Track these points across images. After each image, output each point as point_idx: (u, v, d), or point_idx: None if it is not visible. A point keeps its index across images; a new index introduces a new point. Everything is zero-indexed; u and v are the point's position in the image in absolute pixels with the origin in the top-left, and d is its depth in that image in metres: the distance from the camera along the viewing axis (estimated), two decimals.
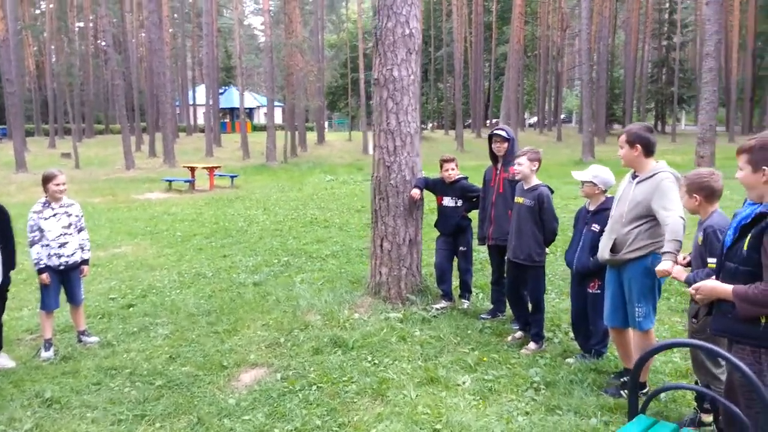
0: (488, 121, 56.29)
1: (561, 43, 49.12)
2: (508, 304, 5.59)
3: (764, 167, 2.56)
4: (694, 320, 3.43)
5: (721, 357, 2.53)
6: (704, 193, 3.39)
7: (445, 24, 50.83)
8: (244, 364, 4.78)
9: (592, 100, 27.88)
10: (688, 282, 3.14)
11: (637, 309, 3.85)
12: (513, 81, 36.09)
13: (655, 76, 51.66)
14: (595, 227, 4.43)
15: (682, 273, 3.29)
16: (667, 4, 50.92)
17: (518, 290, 5.07)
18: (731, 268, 2.67)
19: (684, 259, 3.43)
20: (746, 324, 2.58)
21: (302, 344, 5.06)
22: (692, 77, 50.65)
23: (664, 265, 3.35)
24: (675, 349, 4.79)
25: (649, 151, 3.83)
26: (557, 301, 6.13)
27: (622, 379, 4.16)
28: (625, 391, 4.01)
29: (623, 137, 3.87)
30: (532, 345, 4.91)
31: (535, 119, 60.26)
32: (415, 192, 5.84)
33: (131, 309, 6.30)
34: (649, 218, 3.75)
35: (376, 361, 4.69)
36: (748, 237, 2.57)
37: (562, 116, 52.85)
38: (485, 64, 52.44)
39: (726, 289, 2.65)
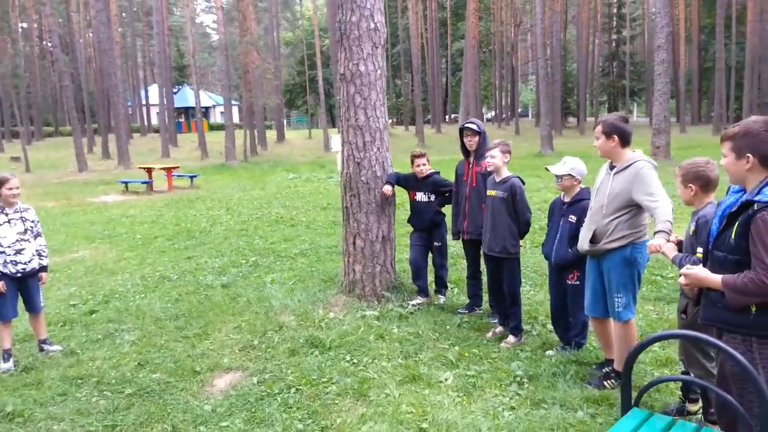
0: (447, 117, 56.68)
1: (515, 39, 49.77)
2: (485, 299, 5.58)
3: (748, 154, 2.55)
4: (683, 315, 3.39)
5: (716, 347, 2.51)
6: (700, 182, 3.35)
7: (400, 20, 50.91)
8: (218, 368, 4.61)
9: (548, 93, 28.28)
10: (675, 262, 3.12)
11: (616, 299, 3.85)
12: (470, 76, 36.40)
13: (606, 70, 52.96)
14: (572, 218, 4.43)
15: (672, 250, 3.23)
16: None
17: (500, 284, 5.03)
18: (719, 256, 2.66)
19: (675, 238, 3.38)
20: (736, 313, 2.57)
21: (277, 346, 4.92)
22: (642, 70, 52.09)
23: (656, 240, 3.27)
24: None
25: (625, 141, 3.83)
26: (532, 293, 6.13)
27: (604, 370, 4.16)
28: (609, 381, 4.02)
29: (599, 128, 3.86)
30: (511, 338, 4.89)
31: (492, 114, 60.96)
32: (387, 188, 5.76)
33: (94, 315, 6.05)
34: (628, 208, 3.75)
35: (355, 361, 4.59)
36: (735, 225, 2.57)
37: (519, 110, 53.60)
38: (442, 60, 52.69)
39: (715, 278, 2.63)
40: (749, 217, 2.50)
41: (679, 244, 3.35)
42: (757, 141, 2.53)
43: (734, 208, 2.60)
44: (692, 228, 3.29)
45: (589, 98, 50.01)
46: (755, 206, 2.49)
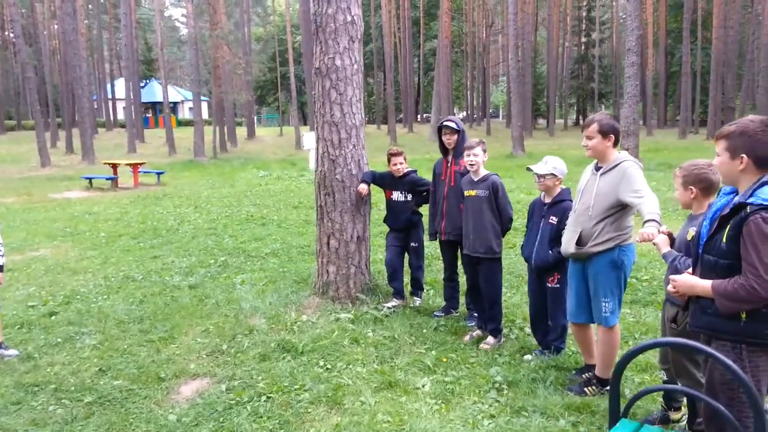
0: (419, 116, 56.72)
1: (486, 40, 50.03)
2: (462, 301, 5.45)
3: (742, 154, 2.46)
4: (673, 325, 3.28)
5: (710, 356, 2.41)
6: (702, 185, 3.24)
7: (373, 18, 50.73)
8: (184, 375, 4.39)
9: (519, 95, 28.42)
10: (667, 260, 3.00)
11: (603, 304, 3.75)
12: (443, 76, 36.41)
13: (575, 72, 53.57)
14: (553, 219, 4.33)
15: (665, 243, 3.10)
16: (585, 2, 52.86)
17: (480, 287, 4.91)
18: (710, 261, 2.56)
19: (666, 230, 3.24)
20: (726, 320, 2.48)
21: (247, 351, 4.72)
22: (610, 73, 52.86)
23: (648, 228, 3.12)
24: (631, 343, 4.77)
25: (618, 141, 3.74)
26: (509, 295, 6.03)
27: (584, 376, 4.07)
28: (590, 388, 3.93)
29: (594, 127, 3.72)
30: (491, 340, 4.77)
31: (463, 114, 61.21)
32: (363, 187, 5.60)
33: (53, 317, 5.74)
34: (615, 210, 3.65)
35: (329, 366, 4.42)
36: (727, 228, 2.47)
37: (490, 111, 53.96)
38: (414, 59, 52.68)
39: (704, 285, 2.54)
40: (741, 220, 2.41)
41: (671, 237, 3.23)
42: (752, 141, 2.44)
43: (726, 211, 2.51)
44: (691, 232, 3.13)
45: (558, 100, 50.55)
46: (748, 209, 2.40)
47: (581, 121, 55.01)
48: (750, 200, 2.39)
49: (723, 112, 37.14)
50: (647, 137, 34.03)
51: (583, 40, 54.20)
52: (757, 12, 36.64)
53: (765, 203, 2.35)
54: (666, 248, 3.06)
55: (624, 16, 42.76)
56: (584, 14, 53.76)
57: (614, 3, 55.10)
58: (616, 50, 54.16)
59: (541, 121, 53.88)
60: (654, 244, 3.08)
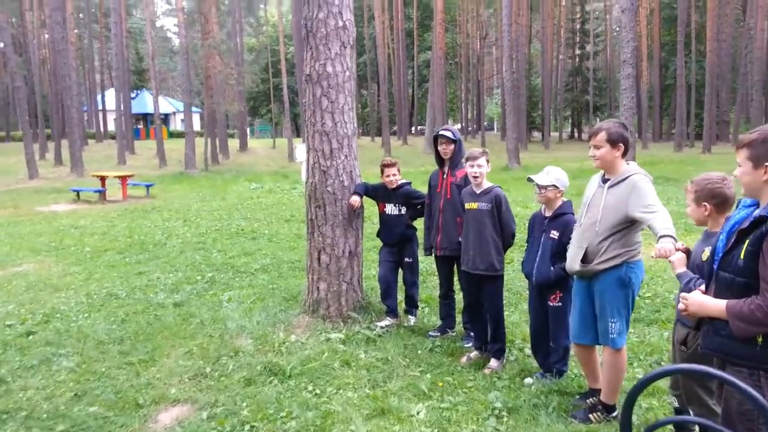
0: (414, 128, 56.66)
1: (480, 52, 50.10)
2: (458, 319, 5.21)
3: (766, 163, 2.24)
4: (683, 347, 3.04)
5: (729, 384, 2.17)
6: (716, 201, 3.01)
7: (367, 30, 50.76)
8: (164, 400, 4.12)
9: (514, 107, 28.32)
10: (681, 281, 2.76)
11: (611, 324, 3.50)
12: (437, 87, 36.35)
13: (570, 85, 53.66)
14: (554, 234, 4.11)
15: (681, 263, 2.84)
16: (579, 15, 53.10)
17: (479, 306, 4.66)
18: (726, 278, 2.34)
19: (683, 245, 3.00)
20: (741, 343, 2.26)
21: (232, 374, 4.45)
22: (604, 86, 53.01)
23: (664, 243, 2.90)
24: (636, 365, 4.53)
25: (627, 151, 3.51)
26: (507, 314, 5.74)
27: (589, 401, 3.83)
28: (595, 414, 3.68)
29: (602, 136, 3.48)
30: (494, 363, 4.52)
31: (458, 126, 61.21)
32: (355, 199, 5.36)
33: (31, 337, 5.46)
34: (623, 226, 3.41)
35: (318, 391, 4.15)
36: (746, 244, 2.25)
37: (485, 124, 53.98)
38: (408, 70, 52.70)
39: (718, 305, 2.32)
40: (762, 235, 2.19)
41: (687, 253, 2.99)
42: None
43: (745, 225, 2.28)
44: (706, 252, 2.88)
45: (553, 113, 50.57)
46: None
47: (576, 134, 55.22)
48: None
49: (718, 125, 37.24)
50: (643, 150, 33.97)
51: (578, 52, 54.34)
52: (749, 26, 36.93)
53: None
54: (681, 268, 2.81)
55: (618, 29, 42.87)
56: (578, 27, 53.91)
57: (608, 16, 55.34)
58: (610, 63, 54.41)
59: (536, 134, 53.84)
60: (669, 261, 2.85)
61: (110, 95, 49.29)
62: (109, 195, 16.87)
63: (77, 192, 16.90)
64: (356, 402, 3.98)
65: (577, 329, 3.75)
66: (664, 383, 3.80)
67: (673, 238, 2.97)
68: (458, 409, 3.88)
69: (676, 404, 3.44)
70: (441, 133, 5.06)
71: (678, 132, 36.03)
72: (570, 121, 58.11)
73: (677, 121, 36.63)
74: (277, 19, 43.39)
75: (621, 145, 3.47)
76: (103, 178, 17.28)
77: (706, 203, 3.03)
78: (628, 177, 3.43)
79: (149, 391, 4.25)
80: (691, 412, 3.14)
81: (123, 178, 17.22)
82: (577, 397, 4.00)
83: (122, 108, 34.73)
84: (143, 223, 12.11)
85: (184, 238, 10.35)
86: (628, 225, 3.41)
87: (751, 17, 36.91)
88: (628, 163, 3.54)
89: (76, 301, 6.62)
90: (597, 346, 3.80)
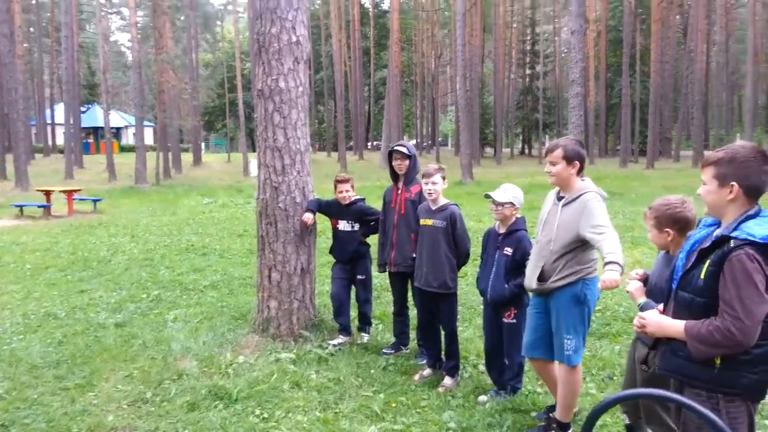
0: (370, 144, 56.86)
1: (435, 70, 50.81)
2: (412, 336, 5.12)
3: (732, 182, 2.21)
4: (644, 366, 3.01)
5: (688, 408, 2.11)
6: (678, 226, 2.96)
7: (324, 47, 50.84)
8: (100, 428, 3.87)
9: (467, 124, 28.68)
10: (642, 310, 2.74)
11: (566, 341, 3.46)
12: (393, 104, 36.58)
13: (521, 103, 54.98)
14: (508, 251, 4.08)
15: (640, 293, 2.76)
16: (530, 36, 54.60)
17: (432, 323, 4.58)
18: (685, 298, 2.31)
19: (637, 274, 2.96)
20: (700, 365, 2.23)
21: (174, 399, 4.23)
22: (553, 104, 54.44)
23: (610, 275, 2.85)
24: (588, 379, 4.52)
25: (582, 168, 3.50)
26: (461, 329, 5.69)
27: (548, 417, 3.77)
28: None
29: (558, 153, 3.43)
30: (448, 381, 4.43)
31: (413, 142, 61.70)
32: (308, 216, 5.23)
33: None
34: (578, 244, 3.39)
35: (266, 415, 3.98)
36: (707, 264, 2.23)
37: (439, 139, 54.60)
38: (365, 87, 52.94)
39: (677, 326, 2.29)
40: (724, 255, 2.17)
41: (645, 280, 2.97)
42: (743, 168, 2.20)
43: (706, 244, 2.26)
44: None
45: (504, 130, 51.56)
46: (731, 243, 2.16)
47: (527, 150, 56.45)
48: (734, 234, 2.16)
49: (661, 142, 38.65)
50: (589, 166, 34.77)
51: (528, 72, 55.77)
52: (690, 48, 38.63)
53: (750, 238, 2.12)
54: (642, 298, 2.73)
55: (566, 50, 44.21)
56: (529, 48, 55.42)
57: (557, 38, 57.01)
58: (559, 82, 56.03)
59: (489, 150, 54.78)
60: (627, 292, 2.81)
61: (60, 109, 47.85)
62: (55, 210, 16.20)
63: (20, 207, 16.16)
64: (306, 426, 3.83)
65: (528, 342, 3.72)
66: None
67: (619, 264, 2.97)
68: (412, 430, 3.78)
69: (628, 421, 3.42)
70: (396, 148, 5.00)
71: (623, 148, 37.25)
72: (521, 137, 59.54)
73: (622, 138, 37.88)
74: (233, 36, 42.96)
75: (577, 162, 3.44)
76: (48, 193, 16.58)
77: (668, 229, 2.99)
78: (581, 195, 3.41)
79: (85, 418, 3.99)
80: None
81: (69, 193, 16.57)
82: (534, 414, 3.95)
83: (71, 122, 33.67)
84: (88, 239, 11.64)
85: (131, 254, 9.97)
86: (582, 243, 3.39)
87: (691, 41, 38.62)
88: (583, 179, 3.52)
89: (12, 322, 6.25)
90: (556, 361, 3.75)
